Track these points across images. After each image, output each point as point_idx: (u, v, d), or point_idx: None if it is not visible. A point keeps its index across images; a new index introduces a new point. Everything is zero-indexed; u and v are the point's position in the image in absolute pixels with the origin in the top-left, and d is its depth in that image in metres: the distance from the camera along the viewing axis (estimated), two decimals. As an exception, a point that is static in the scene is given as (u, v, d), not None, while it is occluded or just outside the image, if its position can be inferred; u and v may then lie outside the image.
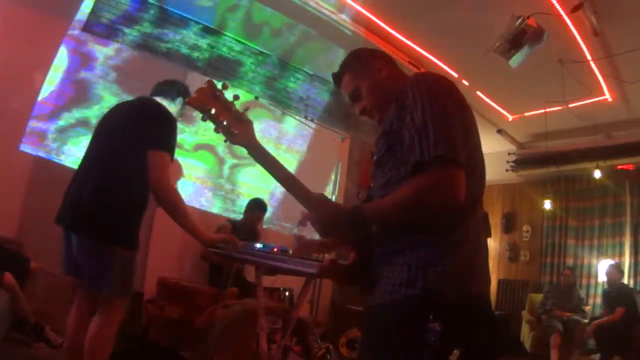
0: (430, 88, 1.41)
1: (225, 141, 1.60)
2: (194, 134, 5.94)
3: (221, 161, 6.31)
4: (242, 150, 1.62)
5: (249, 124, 1.60)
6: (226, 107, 1.55)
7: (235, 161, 6.37)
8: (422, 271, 1.32)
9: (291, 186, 1.60)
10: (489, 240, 5.10)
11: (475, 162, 1.45)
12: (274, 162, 1.62)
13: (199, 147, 6.01)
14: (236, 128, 1.56)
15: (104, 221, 2.55)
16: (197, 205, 5.98)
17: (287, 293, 4.88)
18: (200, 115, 1.53)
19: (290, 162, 6.82)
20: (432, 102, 1.37)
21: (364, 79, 1.71)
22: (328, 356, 4.61)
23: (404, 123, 1.40)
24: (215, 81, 1.58)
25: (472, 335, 1.35)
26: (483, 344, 1.38)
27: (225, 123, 1.54)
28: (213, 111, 1.52)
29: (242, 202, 6.01)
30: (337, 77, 1.79)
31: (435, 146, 1.30)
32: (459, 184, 1.30)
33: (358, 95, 1.71)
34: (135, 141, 2.60)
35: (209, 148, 6.14)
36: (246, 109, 1.60)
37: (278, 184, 1.61)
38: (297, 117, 6.66)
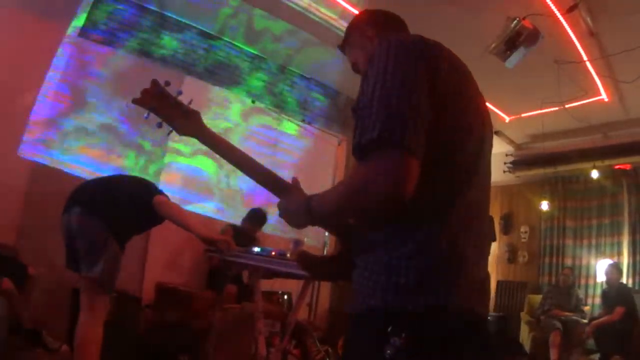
0: (390, 53, 1.18)
1: (168, 134, 1.61)
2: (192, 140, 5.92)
3: (220, 166, 6.28)
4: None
5: (195, 114, 1.58)
6: (169, 101, 1.55)
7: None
8: (382, 278, 1.15)
9: (254, 172, 1.51)
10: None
11: (451, 148, 1.20)
12: (230, 148, 1.56)
13: (197, 152, 5.98)
14: (180, 120, 1.56)
15: (104, 209, 3.13)
16: (198, 211, 5.95)
17: (285, 296, 4.88)
18: (145, 113, 1.56)
19: (289, 166, 6.84)
20: (385, 70, 1.15)
21: (359, 52, 1.59)
22: (327, 359, 4.61)
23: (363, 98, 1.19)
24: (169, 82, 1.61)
25: (447, 353, 1.12)
26: None
27: (169, 116, 1.56)
28: (157, 107, 1.54)
29: (241, 206, 5.98)
30: (341, 50, 1.71)
31: (375, 126, 1.08)
32: (402, 174, 1.05)
33: (358, 70, 1.60)
34: (144, 190, 3.37)
35: (209, 153, 6.10)
36: (190, 102, 1.58)
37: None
38: (296, 121, 6.67)
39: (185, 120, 1.56)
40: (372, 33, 1.56)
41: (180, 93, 1.59)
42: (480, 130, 1.31)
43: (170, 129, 1.60)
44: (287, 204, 1.41)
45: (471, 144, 1.25)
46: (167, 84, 1.56)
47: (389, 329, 1.09)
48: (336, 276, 1.53)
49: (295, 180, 1.50)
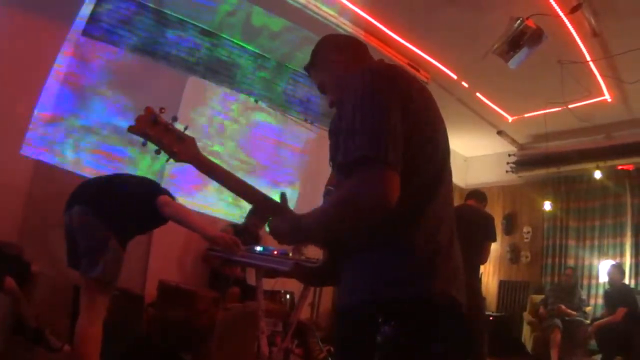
0: (366, 81, 1.35)
1: (167, 161, 1.65)
2: (198, 142, 5.89)
3: (227, 167, 6.23)
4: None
5: (191, 141, 1.64)
6: (165, 128, 1.59)
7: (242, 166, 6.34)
8: (371, 274, 1.32)
9: (246, 194, 1.64)
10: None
11: (422, 159, 1.37)
12: (224, 173, 1.67)
13: (203, 149, 5.94)
14: (177, 147, 1.60)
15: (106, 209, 3.08)
16: (205, 204, 5.96)
17: (287, 296, 4.88)
18: (142, 140, 1.59)
19: (291, 166, 6.83)
20: (364, 97, 1.31)
21: (326, 74, 1.72)
22: (329, 359, 4.61)
23: (341, 121, 1.36)
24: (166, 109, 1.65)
25: (431, 336, 1.30)
26: (445, 346, 1.32)
27: (165, 143, 1.60)
28: (152, 134, 1.58)
29: (248, 206, 5.95)
30: (307, 71, 1.82)
31: (360, 146, 1.23)
32: (387, 187, 1.21)
33: (324, 89, 1.74)
34: (147, 190, 3.29)
35: (215, 155, 6.08)
36: (185, 128, 1.64)
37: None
38: (298, 120, 6.65)
39: (181, 147, 1.61)
40: (340, 57, 1.71)
41: (175, 119, 1.64)
42: (444, 142, 1.49)
43: (167, 156, 1.64)
44: (279, 223, 1.54)
45: (439, 154, 1.43)
46: (162, 110, 1.61)
47: (380, 319, 1.27)
48: (327, 282, 1.67)
49: (283, 195, 1.64)
